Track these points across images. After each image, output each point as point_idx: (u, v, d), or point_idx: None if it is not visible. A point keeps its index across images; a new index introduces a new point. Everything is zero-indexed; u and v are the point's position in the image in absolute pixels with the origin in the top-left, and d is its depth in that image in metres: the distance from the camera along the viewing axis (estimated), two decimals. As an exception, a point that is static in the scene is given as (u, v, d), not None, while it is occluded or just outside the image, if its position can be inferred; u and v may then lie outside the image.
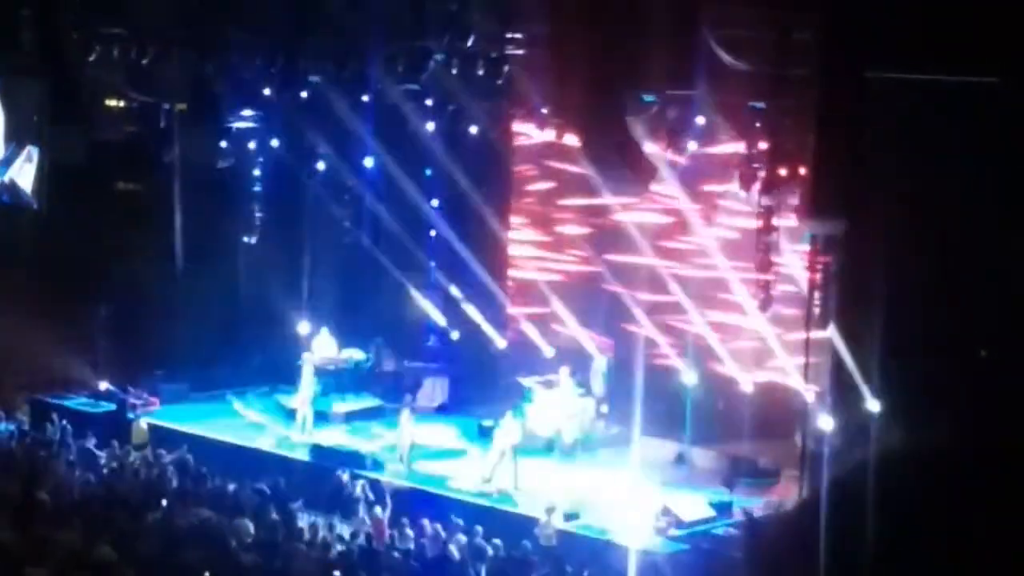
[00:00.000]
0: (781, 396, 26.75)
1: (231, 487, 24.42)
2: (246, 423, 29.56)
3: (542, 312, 31.45)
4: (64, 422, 28.16)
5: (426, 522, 23.05)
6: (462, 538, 22.37)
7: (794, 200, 24.09)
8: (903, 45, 20.48)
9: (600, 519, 23.98)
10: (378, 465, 26.44)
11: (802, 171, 23.19)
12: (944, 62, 20.26)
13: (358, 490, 24.82)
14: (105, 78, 31.10)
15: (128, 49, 30.24)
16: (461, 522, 23.09)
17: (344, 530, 23.06)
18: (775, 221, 24.80)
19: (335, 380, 30.47)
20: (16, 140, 34.24)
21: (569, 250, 31.31)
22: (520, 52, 26.79)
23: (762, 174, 24.66)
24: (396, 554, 21.66)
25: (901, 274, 21.89)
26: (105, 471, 25.58)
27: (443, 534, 22.64)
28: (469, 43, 27.14)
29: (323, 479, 25.77)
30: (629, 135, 24.29)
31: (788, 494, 24.99)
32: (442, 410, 30.91)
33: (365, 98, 29.45)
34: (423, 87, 28.84)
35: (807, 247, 24.69)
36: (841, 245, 23.24)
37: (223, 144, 32.27)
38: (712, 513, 24.50)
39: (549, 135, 29.45)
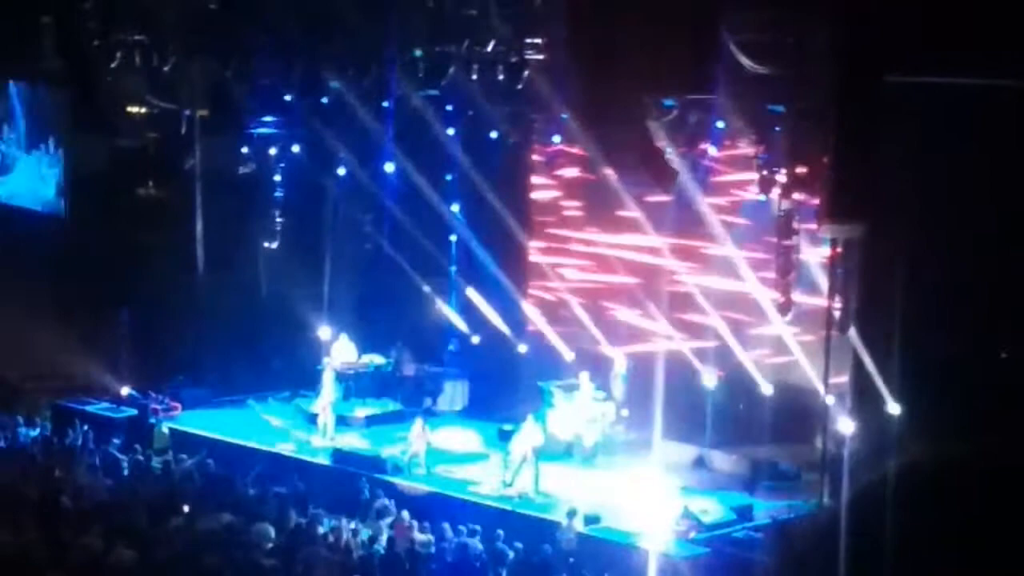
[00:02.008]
0: (801, 399, 26.71)
1: (252, 492, 24.49)
2: (267, 428, 29.63)
3: (562, 316, 31.48)
4: (86, 427, 28.26)
5: (447, 526, 23.08)
6: (478, 545, 22.34)
7: (814, 203, 24.10)
8: (921, 48, 20.49)
9: (620, 523, 23.98)
10: (399, 469, 26.48)
11: (822, 174, 23.18)
12: (962, 65, 20.26)
13: (379, 494, 24.87)
14: (126, 85, 31.21)
15: (149, 56, 30.36)
16: (479, 528, 23.10)
17: (365, 534, 23.09)
18: (795, 224, 24.83)
19: (356, 385, 30.53)
20: (39, 147, 34.44)
21: (590, 252, 31.30)
22: (540, 57, 26.84)
23: (781, 178, 24.69)
24: (416, 558, 21.69)
25: (920, 276, 21.90)
26: (127, 476, 25.67)
27: (463, 538, 22.68)
28: (489, 48, 27.22)
29: (344, 483, 25.83)
30: (650, 139, 24.35)
31: (809, 497, 24.99)
32: (462, 414, 30.95)
33: (385, 104, 29.52)
34: (443, 92, 28.90)
35: (827, 250, 24.68)
36: (860, 248, 23.23)
37: (244, 150, 32.41)
38: (733, 516, 24.46)
39: (569, 139, 29.58)
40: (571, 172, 31.18)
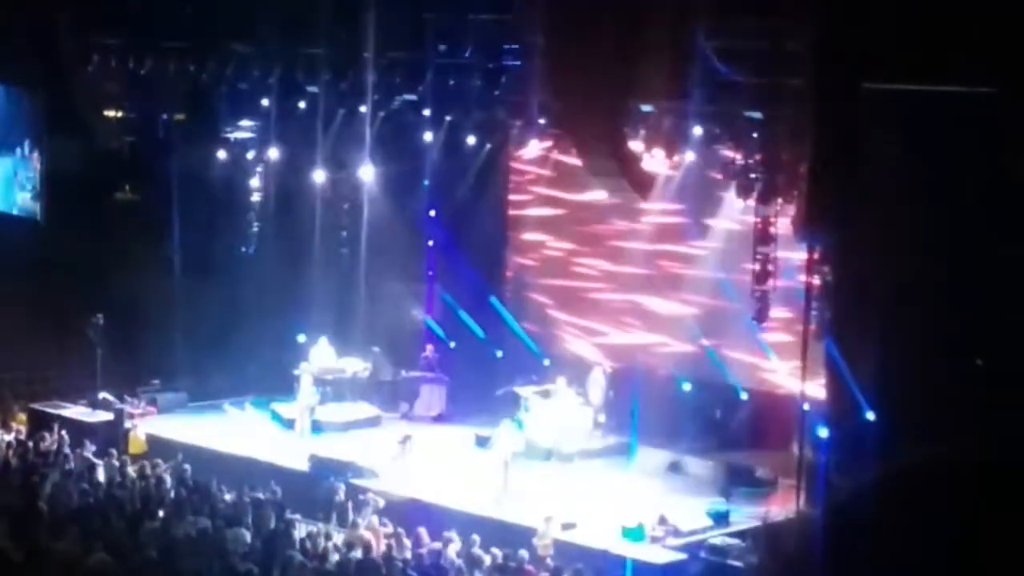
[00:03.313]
0: (778, 405, 26.78)
1: (228, 496, 24.42)
2: (243, 432, 29.57)
3: (540, 321, 31.51)
4: (62, 432, 28.14)
5: (423, 532, 23.04)
6: (451, 552, 22.30)
7: (791, 210, 24.16)
8: (898, 55, 20.55)
9: (597, 528, 23.98)
10: (375, 475, 26.44)
11: (799, 181, 23.24)
12: (940, 72, 20.33)
13: (355, 500, 24.83)
14: (103, 88, 31.17)
15: (126, 59, 30.32)
16: (454, 535, 23.06)
17: (341, 540, 23.03)
18: (772, 231, 24.88)
19: (333, 389, 30.49)
20: (14, 150, 34.33)
21: (567, 258, 31.32)
22: (517, 63, 26.87)
23: (759, 184, 24.74)
24: (393, 564, 21.66)
25: (897, 284, 21.94)
26: (103, 481, 25.59)
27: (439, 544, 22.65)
28: (467, 54, 27.23)
29: (320, 488, 25.76)
30: (627, 145, 24.37)
31: (785, 503, 25.03)
32: (439, 419, 30.93)
33: (363, 108, 29.52)
34: (421, 97, 28.91)
35: (804, 257, 24.73)
36: (838, 255, 23.28)
37: (221, 154, 32.35)
38: (709, 522, 24.49)
39: (547, 145, 29.60)
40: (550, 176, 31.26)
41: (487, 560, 22.02)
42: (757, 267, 25.03)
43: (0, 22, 31.35)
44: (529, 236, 32.01)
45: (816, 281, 24.30)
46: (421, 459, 27.25)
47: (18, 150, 34.35)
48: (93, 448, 27.44)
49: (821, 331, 23.97)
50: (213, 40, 29.82)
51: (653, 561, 22.93)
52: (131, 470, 26.13)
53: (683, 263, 28.96)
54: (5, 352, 31.87)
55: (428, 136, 30.40)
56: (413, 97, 28.97)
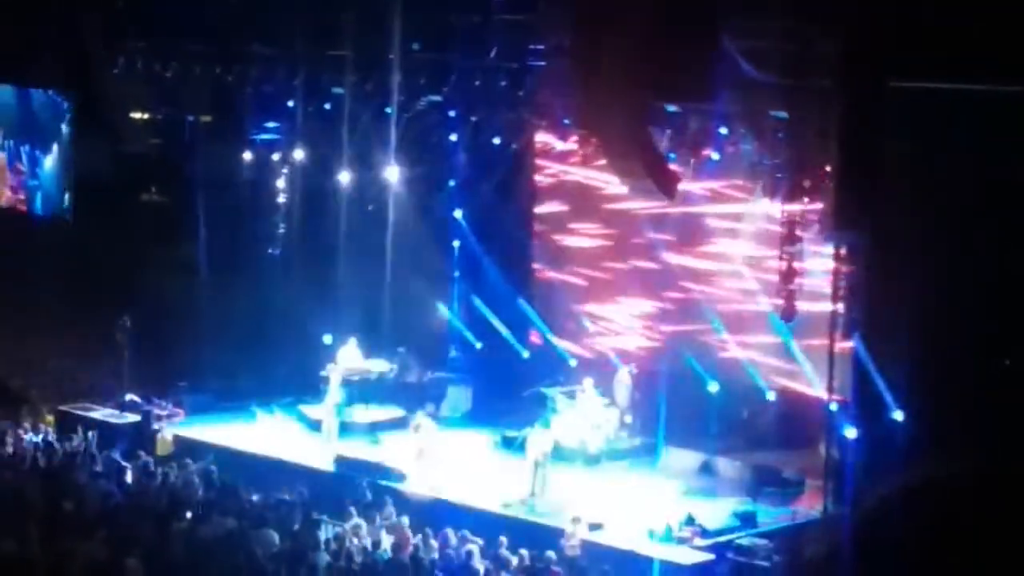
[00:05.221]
0: (805, 405, 26.69)
1: (256, 497, 24.47)
2: (271, 434, 29.61)
3: (566, 321, 31.46)
4: (90, 433, 28.23)
5: (450, 532, 23.05)
6: (477, 553, 22.30)
7: (818, 210, 24.08)
8: (926, 55, 20.48)
9: (624, 529, 23.96)
10: (402, 475, 26.45)
11: (825, 181, 23.18)
12: (967, 71, 20.25)
13: (382, 500, 24.85)
14: (130, 91, 31.26)
15: (152, 62, 30.40)
16: (480, 538, 23.05)
17: (368, 540, 23.06)
18: (798, 231, 24.80)
19: (360, 390, 30.47)
20: (42, 152, 34.46)
21: (593, 258, 31.28)
22: (542, 63, 26.86)
23: (785, 184, 24.68)
24: (420, 565, 21.68)
25: (924, 283, 21.87)
26: (130, 482, 25.67)
27: (467, 545, 22.65)
28: (491, 55, 27.23)
29: (347, 489, 25.78)
30: (652, 145, 24.33)
31: (812, 504, 24.98)
32: (466, 420, 30.92)
33: (388, 110, 29.55)
34: (446, 98, 28.91)
35: (831, 256, 24.66)
36: (865, 255, 23.21)
37: (247, 156, 32.41)
38: (736, 523, 24.45)
39: (572, 145, 29.55)
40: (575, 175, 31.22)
41: (514, 561, 22.03)
42: (784, 266, 24.94)
43: (29, 26, 31.47)
44: (555, 235, 31.96)
45: (843, 280, 24.21)
46: (446, 458, 27.23)
47: (46, 152, 34.48)
48: (121, 450, 27.52)
49: (848, 330, 23.89)
50: (239, 43, 29.87)
51: (680, 562, 22.90)
52: (158, 472, 26.21)
53: (711, 262, 28.88)
54: (33, 353, 31.99)
55: (453, 137, 30.39)
56: (438, 98, 28.98)
